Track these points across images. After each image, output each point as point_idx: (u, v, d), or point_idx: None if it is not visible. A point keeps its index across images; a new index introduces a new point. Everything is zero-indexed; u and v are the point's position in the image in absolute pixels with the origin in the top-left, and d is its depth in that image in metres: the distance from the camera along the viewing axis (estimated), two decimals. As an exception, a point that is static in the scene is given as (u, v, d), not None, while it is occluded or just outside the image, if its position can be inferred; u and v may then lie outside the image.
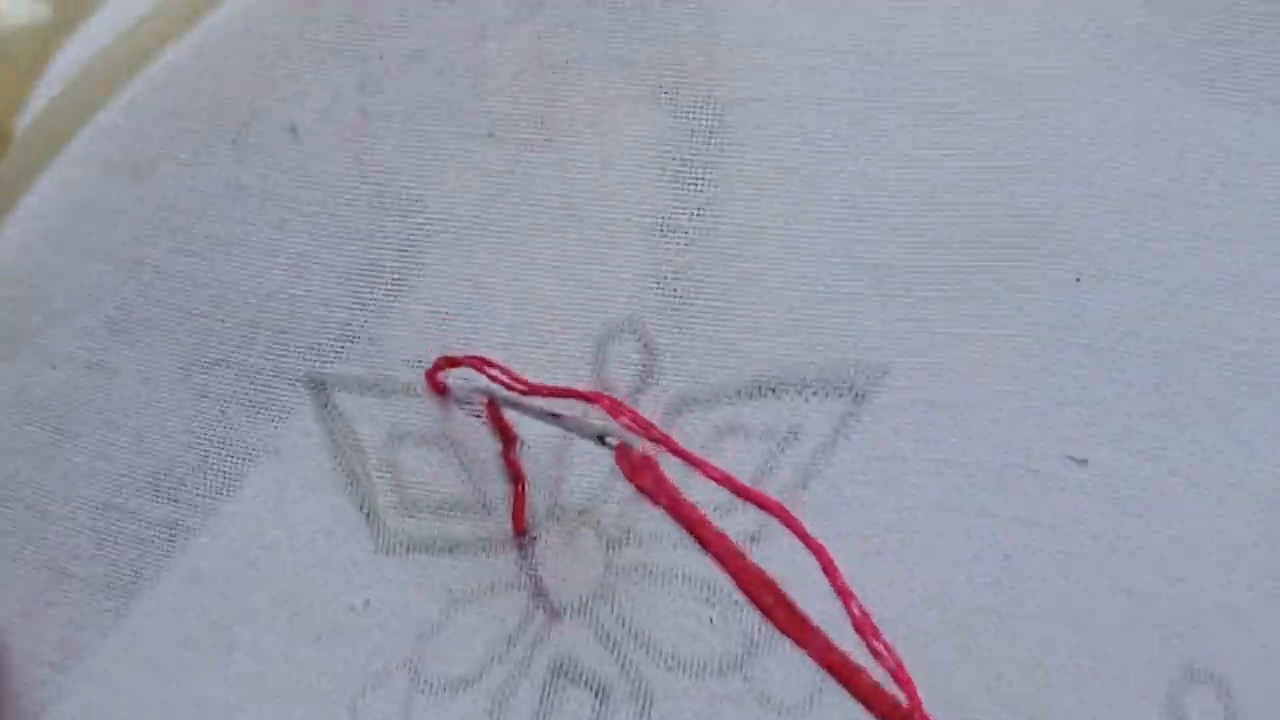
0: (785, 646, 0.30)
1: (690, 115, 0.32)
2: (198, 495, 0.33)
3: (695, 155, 0.32)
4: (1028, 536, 0.30)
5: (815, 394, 0.31)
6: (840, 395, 0.31)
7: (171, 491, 0.33)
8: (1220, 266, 0.31)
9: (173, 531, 0.33)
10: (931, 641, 0.30)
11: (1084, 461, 0.30)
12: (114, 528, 0.33)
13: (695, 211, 0.32)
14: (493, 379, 0.31)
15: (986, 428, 0.31)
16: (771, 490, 0.31)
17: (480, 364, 0.31)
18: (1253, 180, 0.31)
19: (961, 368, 0.31)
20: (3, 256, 0.35)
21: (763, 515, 0.30)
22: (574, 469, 0.32)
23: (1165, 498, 0.30)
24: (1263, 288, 0.31)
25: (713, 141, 0.32)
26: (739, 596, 0.29)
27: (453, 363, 0.31)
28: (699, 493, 0.29)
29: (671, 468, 0.27)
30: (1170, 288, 0.31)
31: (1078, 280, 0.31)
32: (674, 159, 0.32)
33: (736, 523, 0.31)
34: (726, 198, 0.32)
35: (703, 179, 0.32)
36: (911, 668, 0.28)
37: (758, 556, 0.29)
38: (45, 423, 0.34)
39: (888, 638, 0.27)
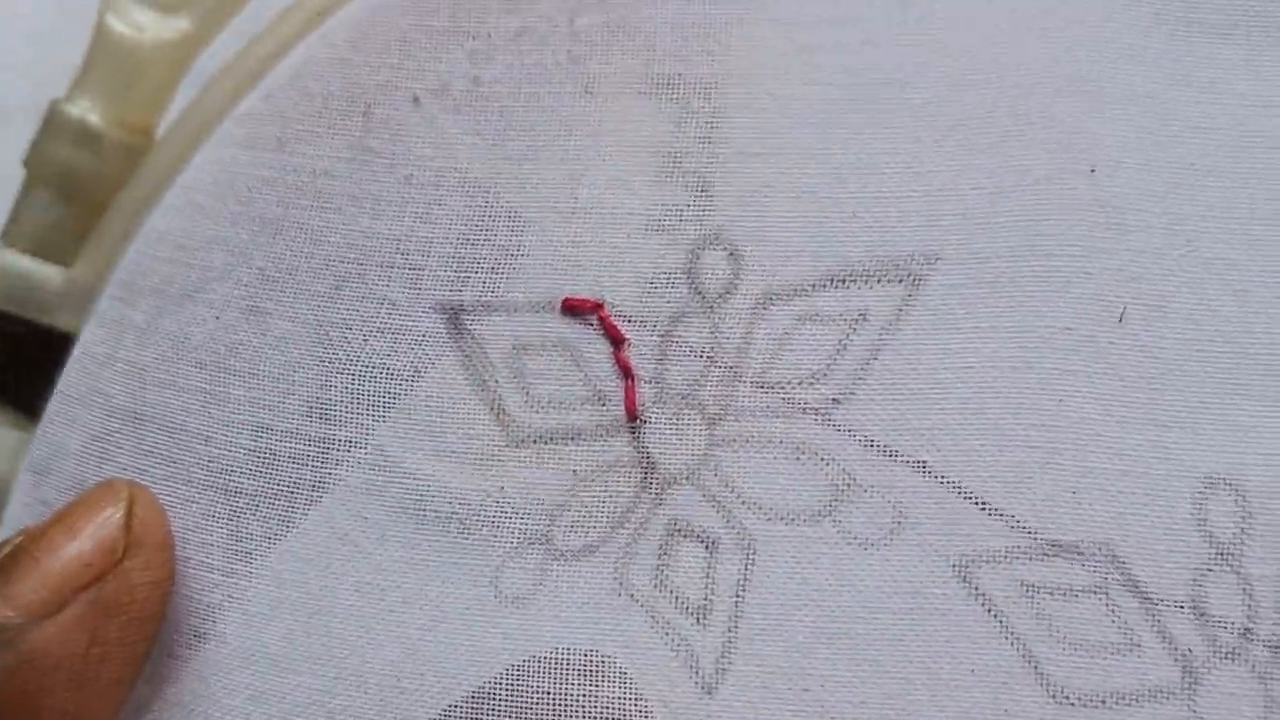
0: (866, 494, 0.36)
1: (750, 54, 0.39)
2: (348, 414, 0.38)
3: (762, 91, 0.39)
4: (1071, 384, 0.36)
5: (879, 281, 0.37)
6: (900, 281, 0.37)
7: (323, 412, 0.38)
8: None
9: (326, 447, 0.38)
10: (995, 474, 0.36)
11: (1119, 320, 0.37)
12: (274, 446, 0.38)
13: (764, 139, 0.38)
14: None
15: (1029, 298, 0.37)
16: (846, 361, 0.37)
17: (594, 306, 0.37)
18: None
19: (1001, 250, 0.37)
20: (164, 225, 0.40)
21: (841, 385, 0.36)
22: (674, 362, 0.37)
23: (1186, 348, 0.36)
24: None
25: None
26: (825, 455, 0.35)
27: (576, 304, 0.37)
28: (786, 368, 0.35)
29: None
30: (1175, 167, 0.38)
31: (1092, 171, 0.37)
32: (737, 96, 0.39)
33: (818, 392, 0.37)
34: (789, 129, 0.38)
35: (767, 113, 0.38)
36: (983, 501, 0.35)
37: (837, 418, 0.35)
38: (206, 363, 0.39)
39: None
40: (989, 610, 0.35)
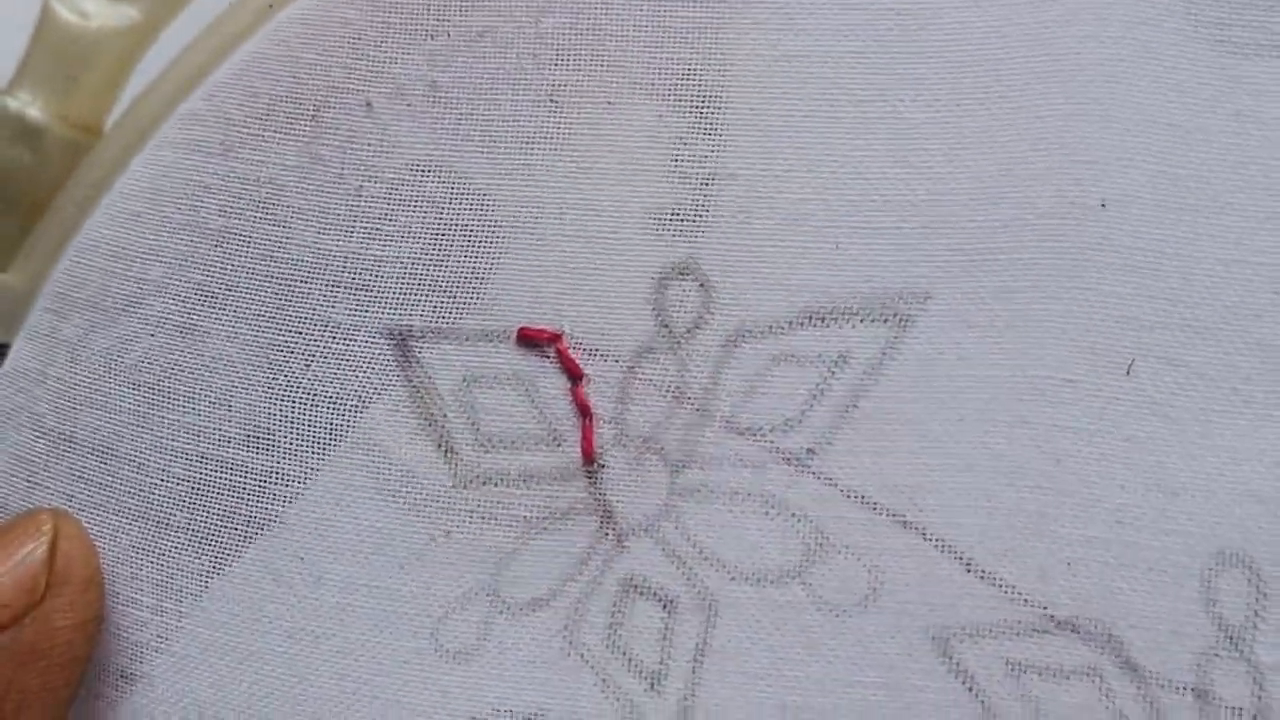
0: (840, 555, 0.32)
1: (731, 62, 0.35)
2: (287, 444, 0.35)
3: (742, 103, 0.35)
4: (1070, 442, 0.33)
5: (862, 320, 0.33)
6: (885, 320, 0.33)
7: (262, 442, 0.35)
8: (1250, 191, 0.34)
9: (264, 480, 0.35)
10: (982, 539, 0.32)
11: (1127, 373, 0.33)
12: (209, 477, 0.36)
13: (743, 157, 0.34)
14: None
15: (1027, 345, 0.33)
16: (823, 407, 0.33)
17: (552, 337, 0.34)
18: None
19: (999, 289, 0.33)
20: (100, 233, 0.37)
21: (817, 433, 0.33)
22: (637, 401, 0.34)
23: (1191, 399, 0.33)
24: None
25: (759, 91, 0.35)
26: (797, 510, 0.32)
27: (532, 334, 0.34)
28: (758, 412, 0.32)
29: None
30: (1195, 207, 0.34)
31: (1103, 205, 0.33)
32: (714, 108, 0.35)
33: (792, 440, 0.33)
34: (770, 147, 0.35)
35: (746, 127, 0.35)
36: (969, 566, 0.30)
37: (811, 469, 0.32)
38: (141, 384, 0.36)
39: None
40: (970, 689, 0.32)
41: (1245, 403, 0.32)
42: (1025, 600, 0.32)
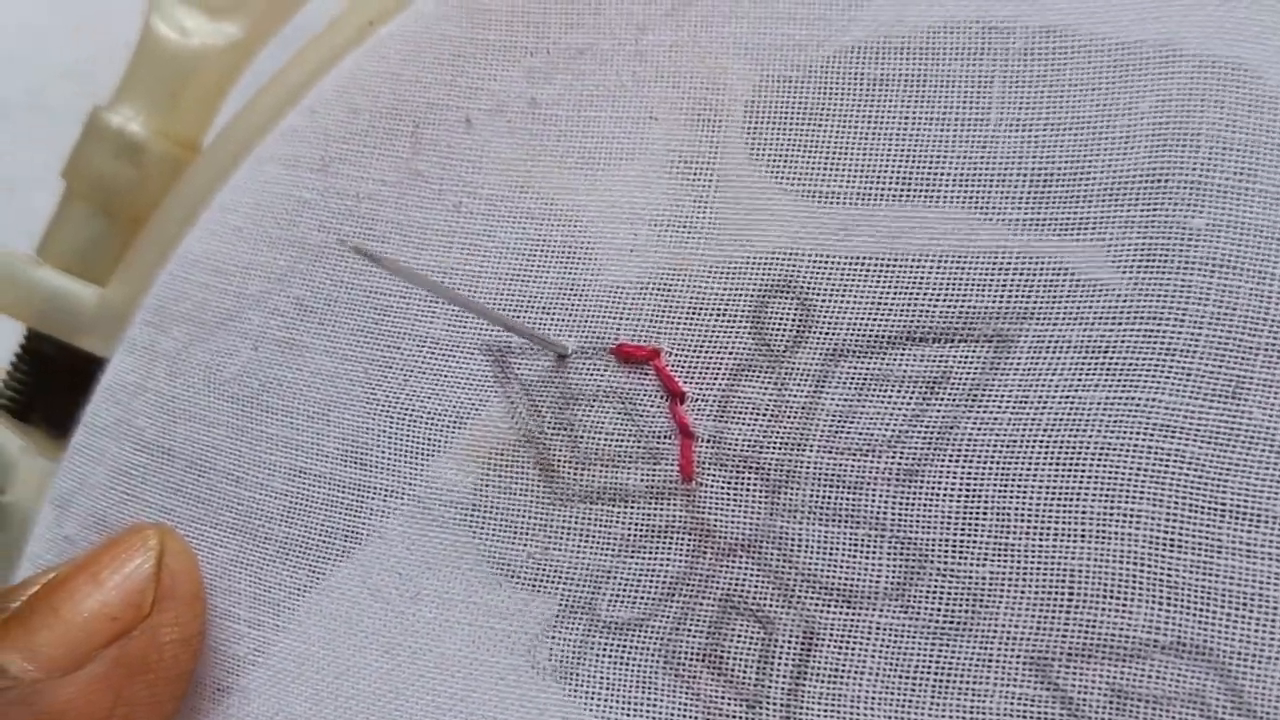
0: (940, 578, 0.32)
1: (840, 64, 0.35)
2: (385, 459, 0.35)
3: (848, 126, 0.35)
4: (1136, 459, 0.32)
5: (963, 340, 0.33)
6: (986, 341, 0.33)
7: (359, 457, 0.36)
8: None
9: (361, 494, 0.35)
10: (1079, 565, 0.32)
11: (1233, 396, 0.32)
12: (306, 492, 0.36)
13: (847, 180, 0.34)
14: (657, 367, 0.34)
15: (1130, 367, 0.33)
16: (923, 428, 0.33)
17: (651, 354, 0.34)
18: None
19: (1094, 310, 0.33)
20: (199, 247, 0.38)
21: (917, 454, 0.32)
22: (736, 420, 0.34)
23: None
24: None
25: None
26: (896, 530, 0.32)
27: (630, 352, 0.34)
28: (857, 432, 0.31)
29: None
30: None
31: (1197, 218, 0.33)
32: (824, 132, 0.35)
33: (892, 461, 0.33)
34: (867, 165, 0.34)
35: (855, 149, 0.35)
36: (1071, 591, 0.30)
37: (911, 490, 0.32)
38: (239, 397, 0.37)
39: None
40: (1071, 714, 0.31)
41: None
42: (1129, 624, 0.31)
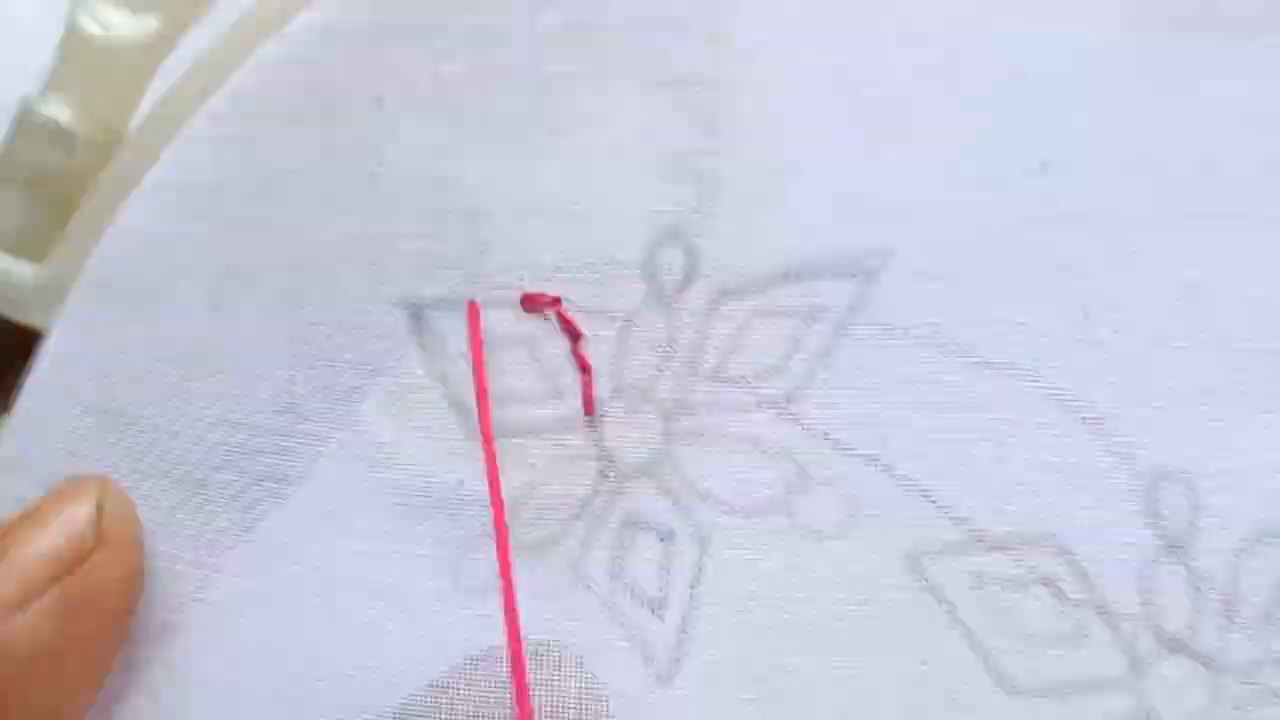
0: (819, 488, 0.36)
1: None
2: (315, 407, 0.39)
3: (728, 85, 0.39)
4: (1007, 380, 0.37)
5: (834, 276, 0.38)
6: (854, 275, 0.37)
7: (292, 406, 0.39)
8: None
9: (294, 441, 0.39)
10: (940, 472, 0.36)
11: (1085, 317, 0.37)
12: (242, 441, 0.39)
13: (725, 133, 0.38)
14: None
15: (984, 294, 0.37)
16: (800, 356, 0.37)
17: (552, 301, 0.38)
18: None
19: (960, 243, 0.37)
20: (133, 222, 0.41)
21: (796, 380, 0.37)
22: (631, 357, 0.38)
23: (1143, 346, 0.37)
24: None
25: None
26: (779, 450, 0.36)
27: (533, 300, 0.38)
28: (741, 363, 0.36)
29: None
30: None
31: (1043, 165, 0.38)
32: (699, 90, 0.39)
33: (774, 387, 0.37)
34: (751, 121, 0.39)
35: (732, 106, 0.39)
36: (931, 498, 0.36)
37: (794, 412, 0.36)
38: (174, 359, 0.39)
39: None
40: (939, 601, 0.35)
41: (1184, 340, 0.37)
42: (985, 522, 0.36)
